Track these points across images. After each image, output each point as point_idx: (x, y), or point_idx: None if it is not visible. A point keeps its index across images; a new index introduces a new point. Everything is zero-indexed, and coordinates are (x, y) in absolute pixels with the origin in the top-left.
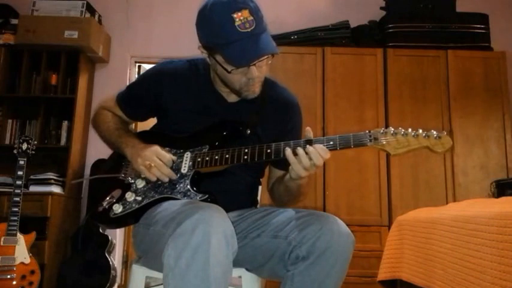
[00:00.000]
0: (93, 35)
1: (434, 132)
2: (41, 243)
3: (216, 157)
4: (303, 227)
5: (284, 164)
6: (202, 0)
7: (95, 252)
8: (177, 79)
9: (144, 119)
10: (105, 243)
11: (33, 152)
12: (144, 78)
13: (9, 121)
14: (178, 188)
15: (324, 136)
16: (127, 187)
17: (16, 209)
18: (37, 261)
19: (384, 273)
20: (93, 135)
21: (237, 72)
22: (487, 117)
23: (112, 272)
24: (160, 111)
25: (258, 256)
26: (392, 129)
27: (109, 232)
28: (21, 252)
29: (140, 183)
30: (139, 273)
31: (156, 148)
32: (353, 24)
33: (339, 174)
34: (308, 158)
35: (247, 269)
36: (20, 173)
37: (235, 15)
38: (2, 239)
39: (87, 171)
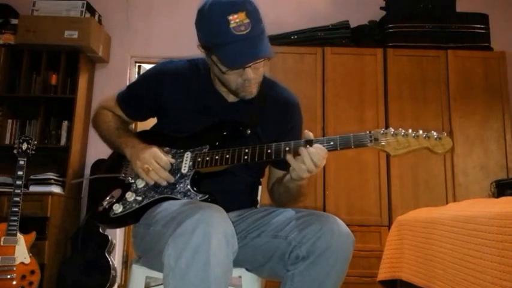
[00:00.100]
0: (93, 35)
1: (435, 133)
2: (41, 243)
3: (217, 157)
4: (303, 227)
5: (284, 164)
6: (202, 0)
7: (95, 252)
8: (177, 79)
9: (144, 118)
10: (105, 243)
11: (33, 152)
12: (145, 78)
13: (9, 121)
14: (179, 188)
15: (323, 136)
16: (127, 187)
17: (16, 209)
18: (37, 261)
19: (384, 273)
20: (93, 135)
21: (233, 73)
22: (487, 117)
23: (112, 272)
24: (161, 111)
25: (258, 256)
26: (393, 129)
27: (109, 232)
28: (21, 252)
29: (140, 183)
30: (139, 273)
31: (155, 150)
32: (353, 24)
33: (339, 174)
34: (309, 159)
35: (247, 269)
36: (20, 173)
37: (230, 18)
38: (2, 239)
39: (87, 171)
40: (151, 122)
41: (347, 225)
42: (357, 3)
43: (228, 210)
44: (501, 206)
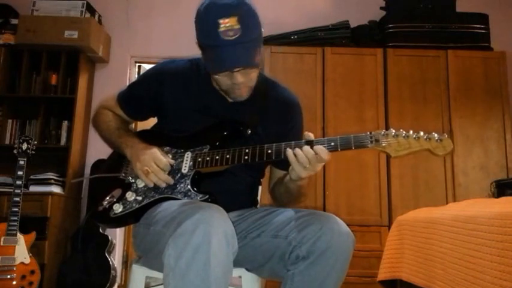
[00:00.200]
0: (93, 35)
1: (436, 135)
2: (41, 243)
3: (217, 157)
4: (303, 227)
5: (285, 165)
6: None
7: (95, 252)
8: (177, 79)
9: (144, 118)
10: (105, 243)
11: (33, 152)
12: (145, 78)
13: (9, 121)
14: (179, 188)
15: (324, 136)
16: (127, 187)
17: (16, 209)
18: (37, 261)
19: (384, 273)
20: (93, 135)
21: (222, 74)
22: (487, 117)
23: (112, 272)
24: (161, 111)
25: (258, 256)
26: (394, 130)
27: (109, 232)
28: (21, 252)
29: (140, 183)
30: (139, 273)
31: (155, 152)
32: (353, 24)
33: (339, 174)
34: (308, 159)
35: (247, 269)
36: (20, 173)
37: (221, 21)
38: (2, 239)
39: (87, 171)
40: (152, 121)
41: (347, 225)
42: (357, 3)
43: (228, 211)
44: (501, 206)
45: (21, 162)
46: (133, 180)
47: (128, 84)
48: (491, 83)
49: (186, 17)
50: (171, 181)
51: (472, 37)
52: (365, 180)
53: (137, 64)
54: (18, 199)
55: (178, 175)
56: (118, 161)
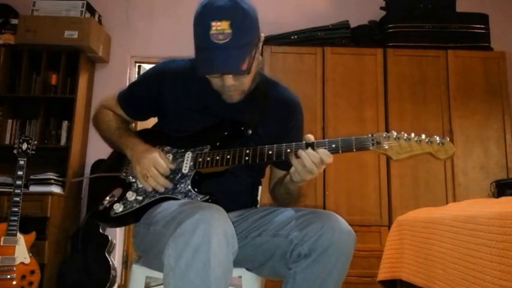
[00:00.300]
0: (93, 35)
1: (437, 138)
2: (41, 243)
3: (217, 157)
4: (304, 225)
5: (285, 165)
6: None
7: (95, 252)
8: (178, 78)
9: (144, 118)
10: (105, 243)
11: (33, 152)
12: (145, 78)
13: (9, 121)
14: (180, 188)
15: (324, 136)
16: (128, 186)
17: (16, 209)
18: (37, 261)
19: (384, 273)
20: (93, 135)
21: (214, 76)
22: (487, 117)
23: (112, 272)
24: (161, 111)
25: (259, 255)
26: (395, 133)
27: (109, 232)
28: (21, 252)
29: (141, 183)
30: (139, 273)
31: (155, 156)
32: (353, 24)
33: (339, 174)
34: (310, 162)
35: (247, 269)
36: (20, 173)
37: (213, 24)
38: (2, 239)
39: (87, 171)
40: (152, 121)
41: None
42: (357, 3)
43: (228, 211)
44: (501, 206)
45: (21, 162)
46: (133, 180)
47: (128, 84)
48: (491, 83)
49: (186, 17)
50: (170, 185)
51: (472, 37)
52: (365, 180)
53: (137, 64)
54: (18, 199)
55: (179, 175)
56: (118, 161)
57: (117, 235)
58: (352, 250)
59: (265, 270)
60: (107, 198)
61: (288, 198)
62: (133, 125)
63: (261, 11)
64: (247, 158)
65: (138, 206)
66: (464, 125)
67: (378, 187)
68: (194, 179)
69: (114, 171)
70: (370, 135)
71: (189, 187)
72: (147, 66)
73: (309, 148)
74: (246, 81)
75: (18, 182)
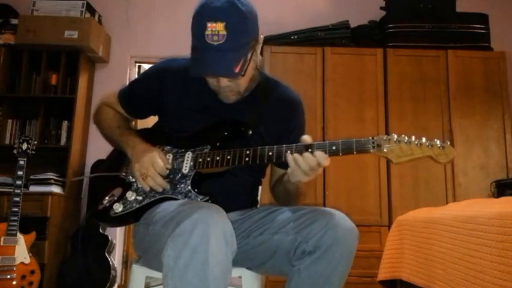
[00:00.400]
0: (93, 35)
1: (438, 142)
2: (41, 243)
3: (218, 158)
4: (308, 223)
5: (286, 164)
6: None
7: (95, 252)
8: (178, 77)
9: (144, 116)
10: (105, 243)
11: (33, 152)
12: (146, 76)
13: (9, 121)
14: (180, 189)
15: (324, 136)
16: (128, 186)
17: (16, 209)
18: (37, 261)
19: (384, 273)
20: (93, 135)
21: (208, 76)
22: (487, 117)
23: (112, 272)
24: (162, 110)
25: (261, 254)
26: (396, 136)
27: (109, 232)
28: (21, 252)
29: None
30: (139, 273)
31: (154, 156)
32: (353, 24)
33: (339, 174)
34: (307, 164)
35: (247, 268)
36: (20, 173)
37: (209, 25)
38: (2, 239)
39: (87, 171)
40: (152, 119)
41: None
42: (357, 3)
43: (228, 211)
44: (501, 206)
45: (21, 162)
46: (133, 180)
47: (129, 81)
48: (491, 83)
49: (186, 17)
50: (167, 186)
51: (472, 37)
52: (365, 180)
53: (137, 64)
54: (18, 199)
55: (179, 175)
56: (118, 161)
57: (117, 235)
58: (355, 246)
59: (265, 268)
60: (107, 197)
61: (287, 197)
62: (134, 123)
63: (261, 11)
64: (247, 158)
65: (137, 206)
66: (464, 125)
67: (378, 187)
68: (194, 180)
69: (114, 171)
70: (370, 138)
71: (189, 187)
72: (147, 66)
73: (308, 150)
74: (242, 83)
75: (18, 182)
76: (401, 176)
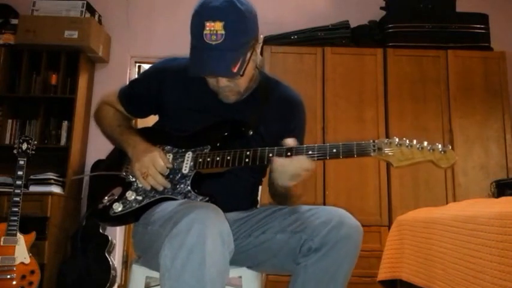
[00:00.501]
0: (93, 35)
1: (440, 146)
2: (41, 243)
3: (218, 158)
4: (313, 220)
5: None
6: None
7: (95, 252)
8: (178, 77)
9: (144, 116)
10: (105, 243)
11: (33, 152)
12: (146, 75)
13: (9, 121)
14: (179, 189)
15: (324, 136)
16: (128, 185)
17: (16, 209)
18: (37, 261)
19: (384, 273)
20: (93, 135)
21: (207, 75)
22: (487, 117)
23: (112, 272)
24: (162, 109)
25: (262, 253)
26: (397, 139)
27: (109, 232)
28: (21, 252)
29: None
30: (139, 273)
31: (154, 155)
32: (353, 24)
33: (339, 174)
34: (291, 167)
35: (248, 267)
36: (20, 173)
37: (207, 24)
38: (2, 239)
39: (87, 171)
40: (152, 118)
41: None
42: (357, 3)
43: (228, 211)
44: (501, 206)
45: (21, 162)
46: (133, 180)
47: (130, 80)
48: (491, 83)
49: (186, 17)
50: (168, 185)
51: (472, 37)
52: (365, 180)
53: (137, 64)
54: (18, 199)
55: (179, 175)
56: (118, 160)
57: (117, 235)
58: (360, 244)
59: (266, 266)
60: (107, 197)
61: (277, 198)
62: (134, 122)
63: (261, 11)
64: (247, 159)
65: (137, 206)
66: (464, 125)
67: (378, 187)
68: (194, 180)
69: (114, 171)
70: (371, 141)
71: (189, 188)
72: (147, 67)
73: (287, 154)
74: (242, 83)
75: (18, 182)
76: (401, 176)
